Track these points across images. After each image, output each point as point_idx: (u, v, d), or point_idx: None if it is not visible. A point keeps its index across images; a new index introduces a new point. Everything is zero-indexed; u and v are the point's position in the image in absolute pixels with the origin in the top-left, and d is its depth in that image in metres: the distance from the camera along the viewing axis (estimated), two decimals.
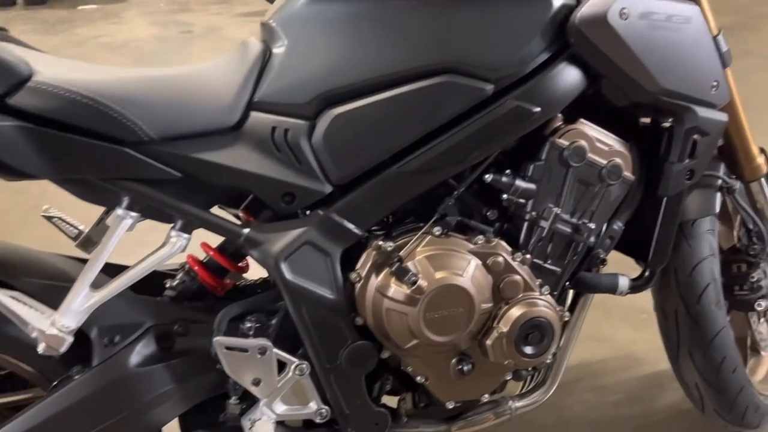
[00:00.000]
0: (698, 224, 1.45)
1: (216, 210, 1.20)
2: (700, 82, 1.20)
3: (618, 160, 1.22)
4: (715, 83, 1.22)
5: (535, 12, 1.11)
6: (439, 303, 1.13)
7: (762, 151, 1.52)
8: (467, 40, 1.10)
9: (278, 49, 1.13)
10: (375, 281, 1.14)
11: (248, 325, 1.13)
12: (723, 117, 1.25)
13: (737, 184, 1.48)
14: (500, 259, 1.17)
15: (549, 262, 1.24)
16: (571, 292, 1.36)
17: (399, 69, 1.10)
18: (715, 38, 1.32)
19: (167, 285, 1.22)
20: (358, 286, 1.15)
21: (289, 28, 1.12)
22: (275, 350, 1.13)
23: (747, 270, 1.51)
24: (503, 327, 1.17)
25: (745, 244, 1.53)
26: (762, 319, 1.60)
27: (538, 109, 1.12)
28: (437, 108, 1.10)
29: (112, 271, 1.12)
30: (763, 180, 1.51)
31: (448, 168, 1.14)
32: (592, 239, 1.24)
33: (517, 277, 1.18)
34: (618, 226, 1.28)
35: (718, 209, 1.45)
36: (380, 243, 1.14)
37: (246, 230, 1.11)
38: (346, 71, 1.11)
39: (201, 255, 1.24)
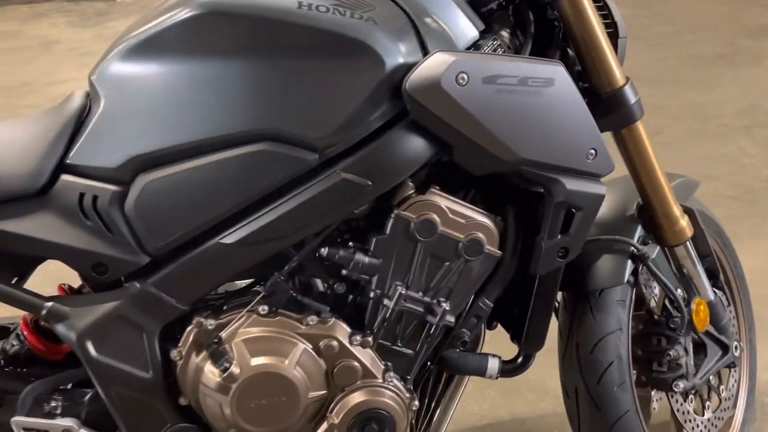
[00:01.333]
0: (606, 294, 1.29)
1: None
2: (570, 150, 1.05)
3: (478, 235, 1.08)
4: (592, 151, 1.07)
5: (364, 75, 0.98)
6: (255, 392, 1.03)
7: (688, 211, 1.35)
8: (288, 104, 0.99)
9: (95, 107, 1.04)
10: (194, 362, 1.05)
11: (54, 403, 1.07)
12: (599, 189, 1.09)
13: (654, 249, 1.31)
14: (334, 342, 1.06)
15: (399, 343, 1.12)
16: None
17: (215, 134, 1.00)
18: (620, 90, 1.17)
19: None
20: (179, 365, 1.06)
21: (104, 85, 1.03)
22: (83, 431, 1.06)
23: (666, 345, 1.34)
24: (335, 417, 1.06)
25: (666, 315, 1.36)
26: (690, 396, 1.42)
27: (368, 183, 1.00)
28: (255, 177, 1.00)
29: None
30: (689, 243, 1.34)
31: (274, 242, 1.03)
32: (450, 319, 1.11)
33: (354, 363, 1.07)
34: (485, 303, 1.14)
35: (627, 278, 1.28)
36: (202, 320, 1.05)
37: (49, 303, 1.04)
38: (160, 134, 1.01)
39: None
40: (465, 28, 1.07)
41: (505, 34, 1.17)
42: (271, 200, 1.01)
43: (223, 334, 1.04)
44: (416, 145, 1.01)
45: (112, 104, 1.03)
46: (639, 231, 1.32)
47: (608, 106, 1.20)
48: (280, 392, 1.03)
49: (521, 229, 1.13)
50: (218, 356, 1.02)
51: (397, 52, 0.99)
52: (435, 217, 1.06)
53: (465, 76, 0.97)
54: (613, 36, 1.24)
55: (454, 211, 1.07)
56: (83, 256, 1.02)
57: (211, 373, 1.03)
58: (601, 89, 1.19)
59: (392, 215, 1.05)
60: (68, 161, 1.03)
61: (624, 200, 1.36)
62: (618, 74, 1.19)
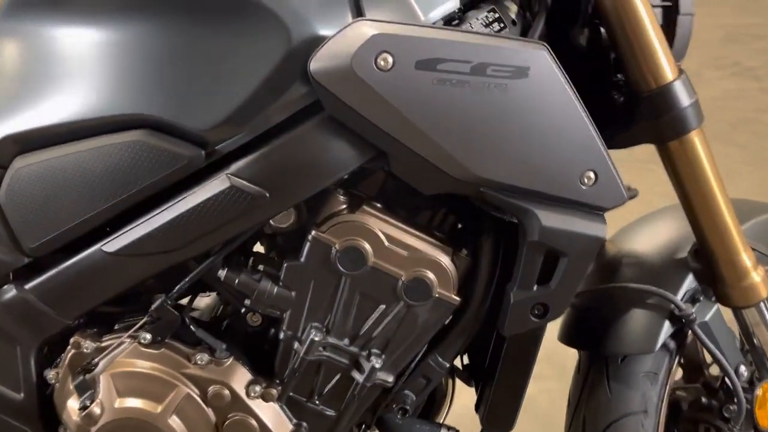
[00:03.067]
0: (630, 362, 0.96)
1: None
2: (551, 170, 0.74)
3: (426, 273, 0.80)
4: (590, 174, 0.75)
5: (263, 50, 0.72)
6: None
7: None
8: (168, 84, 0.76)
9: None
10: (68, 389, 0.87)
11: None
12: (596, 230, 0.76)
13: (709, 309, 0.96)
14: (225, 391, 0.83)
15: (317, 401, 0.87)
16: None
17: (91, 116, 0.79)
18: (667, 87, 0.84)
19: None
20: (56, 388, 0.89)
21: None
22: None
23: None
24: None
25: (723, 397, 1.00)
26: None
27: (264, 194, 0.75)
28: (132, 173, 0.78)
29: None
30: (764, 305, 0.97)
31: (163, 255, 0.82)
32: (385, 377, 0.84)
33: (250, 419, 0.84)
34: (438, 363, 0.86)
35: (661, 344, 0.94)
36: (80, 340, 0.86)
37: None
38: (38, 111, 0.82)
39: None
40: None
41: (510, 4, 0.87)
42: (158, 203, 0.80)
43: (101, 362, 0.85)
44: (335, 149, 0.75)
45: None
46: (690, 282, 0.97)
47: (650, 109, 0.87)
48: None
49: (496, 270, 0.84)
50: (82, 389, 0.83)
51: (312, 20, 0.72)
52: (365, 244, 0.79)
53: (389, 58, 0.68)
54: (671, 12, 0.90)
55: (393, 239, 0.80)
56: None
57: (71, 408, 0.84)
58: (642, 85, 0.86)
59: (310, 237, 0.80)
60: None
61: (676, 237, 1.01)
62: (666, 66, 0.85)
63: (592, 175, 0.75)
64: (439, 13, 0.79)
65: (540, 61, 0.71)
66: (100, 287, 0.86)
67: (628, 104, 0.89)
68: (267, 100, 0.74)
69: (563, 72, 0.73)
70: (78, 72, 0.80)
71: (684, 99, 0.85)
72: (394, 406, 0.88)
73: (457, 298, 0.82)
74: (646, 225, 1.09)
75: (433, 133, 0.71)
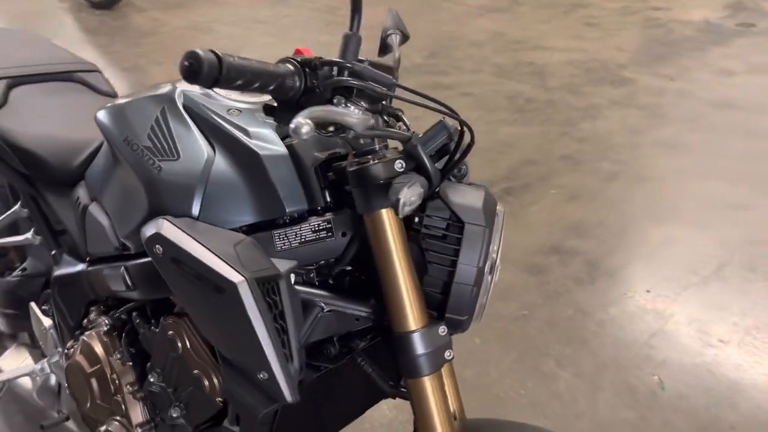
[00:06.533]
0: None
1: None
2: (242, 358, 1.07)
3: (202, 377, 1.20)
4: (264, 374, 1.03)
5: (139, 206, 1.20)
6: (75, 377, 1.45)
7: None
8: (116, 207, 1.29)
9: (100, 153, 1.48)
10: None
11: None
12: (254, 408, 1.08)
13: None
14: (113, 375, 1.38)
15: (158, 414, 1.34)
16: None
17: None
18: (406, 335, 1.05)
19: None
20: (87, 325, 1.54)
21: (92, 178, 1.42)
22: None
23: None
24: None
25: None
26: None
27: (132, 287, 1.23)
28: (97, 237, 1.36)
29: None
30: None
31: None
32: (175, 414, 1.26)
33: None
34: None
35: None
36: (95, 310, 1.49)
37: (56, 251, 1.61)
38: (100, 186, 1.39)
39: None
40: (268, 203, 1.11)
41: (342, 217, 1.12)
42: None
43: (91, 327, 1.46)
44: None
45: (104, 154, 1.45)
46: None
47: (393, 346, 1.06)
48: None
49: None
50: (76, 339, 1.46)
51: (163, 202, 1.14)
52: (178, 342, 1.22)
53: (159, 248, 1.07)
54: (451, 276, 1.03)
55: (194, 347, 1.20)
56: (70, 236, 1.55)
57: (72, 344, 1.49)
58: (390, 325, 1.05)
59: (161, 321, 1.25)
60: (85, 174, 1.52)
61: None
62: (410, 317, 1.03)
63: (266, 374, 1.03)
64: (267, 215, 1.12)
65: (232, 288, 0.99)
66: (111, 286, 1.45)
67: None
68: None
69: (256, 302, 1.00)
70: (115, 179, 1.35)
71: (419, 348, 1.02)
72: None
73: (220, 401, 1.19)
74: None
75: (180, 300, 1.10)
